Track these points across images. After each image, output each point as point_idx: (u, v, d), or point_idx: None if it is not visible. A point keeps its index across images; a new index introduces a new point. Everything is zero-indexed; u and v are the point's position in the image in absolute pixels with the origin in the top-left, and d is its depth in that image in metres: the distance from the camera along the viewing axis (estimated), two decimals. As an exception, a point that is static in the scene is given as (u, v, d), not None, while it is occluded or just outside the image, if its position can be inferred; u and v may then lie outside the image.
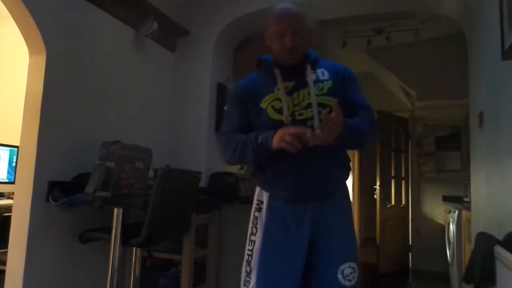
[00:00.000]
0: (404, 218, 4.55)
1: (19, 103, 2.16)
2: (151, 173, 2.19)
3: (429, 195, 4.57)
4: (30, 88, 2.00)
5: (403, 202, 4.60)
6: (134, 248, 2.17)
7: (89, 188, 1.89)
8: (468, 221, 2.68)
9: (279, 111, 1.32)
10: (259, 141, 1.27)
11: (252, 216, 1.42)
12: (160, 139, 2.95)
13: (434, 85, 4.08)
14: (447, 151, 4.50)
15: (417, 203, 4.58)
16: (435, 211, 4.48)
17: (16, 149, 2.64)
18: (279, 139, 1.21)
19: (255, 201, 1.42)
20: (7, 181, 2.74)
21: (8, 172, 2.74)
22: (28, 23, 1.94)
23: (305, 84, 1.34)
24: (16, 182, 2.00)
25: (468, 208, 2.67)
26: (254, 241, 1.37)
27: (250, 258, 1.36)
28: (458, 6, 2.61)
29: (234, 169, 3.40)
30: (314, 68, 1.39)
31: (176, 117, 3.09)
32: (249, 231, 1.40)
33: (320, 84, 1.35)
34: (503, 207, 1.76)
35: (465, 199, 3.52)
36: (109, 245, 1.86)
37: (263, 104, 1.35)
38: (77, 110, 2.20)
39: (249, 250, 1.37)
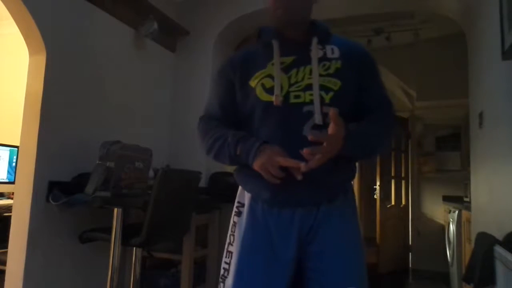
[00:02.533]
0: (404, 218, 4.55)
1: (19, 103, 2.16)
2: (151, 173, 2.19)
3: (429, 195, 4.57)
4: (30, 88, 2.00)
5: (403, 202, 4.60)
6: (134, 248, 2.17)
7: (89, 188, 1.89)
8: (468, 221, 2.68)
9: (270, 90, 1.07)
10: (238, 153, 1.06)
11: (231, 221, 1.17)
12: (160, 139, 2.95)
13: (434, 85, 4.08)
14: (447, 151, 4.51)
15: (417, 203, 4.59)
16: (435, 211, 4.48)
17: (16, 149, 2.64)
18: (260, 165, 1.01)
19: (235, 204, 1.18)
20: (7, 181, 2.74)
21: (8, 172, 2.74)
22: (28, 23, 1.94)
23: (307, 61, 1.09)
24: (16, 182, 2.00)
25: (468, 208, 2.66)
26: (232, 253, 1.12)
27: (226, 274, 1.12)
28: (458, 6, 2.61)
29: (234, 169, 3.40)
30: (323, 43, 1.14)
31: (176, 117, 3.09)
32: (227, 239, 1.15)
33: (327, 63, 1.09)
34: (503, 207, 1.76)
35: (465, 199, 3.52)
36: (109, 245, 1.86)
37: (252, 82, 1.11)
38: (77, 110, 2.20)
39: (225, 263, 1.13)
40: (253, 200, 1.12)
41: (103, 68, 2.41)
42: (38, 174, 1.92)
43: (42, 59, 1.99)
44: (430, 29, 3.64)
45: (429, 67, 4.08)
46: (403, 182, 4.61)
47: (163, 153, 2.96)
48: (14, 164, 2.74)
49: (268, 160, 1.00)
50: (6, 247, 1.93)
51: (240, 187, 1.19)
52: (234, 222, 1.16)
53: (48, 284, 1.99)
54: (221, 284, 1.13)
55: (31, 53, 2.02)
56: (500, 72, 1.80)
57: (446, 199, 4.28)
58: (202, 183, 2.57)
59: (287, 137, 1.03)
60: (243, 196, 1.16)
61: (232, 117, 1.17)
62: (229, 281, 1.09)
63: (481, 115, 2.21)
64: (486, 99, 2.14)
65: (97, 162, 1.95)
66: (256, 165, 1.03)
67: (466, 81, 2.66)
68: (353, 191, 1.17)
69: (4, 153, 2.73)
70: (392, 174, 4.51)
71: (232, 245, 1.13)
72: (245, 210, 1.13)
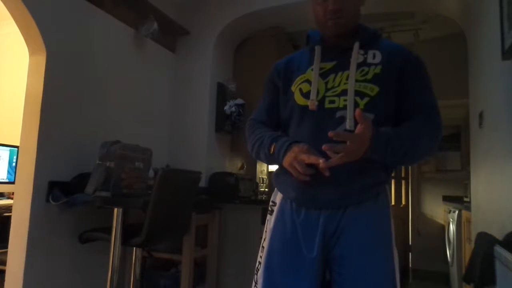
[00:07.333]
0: (404, 218, 4.55)
1: (19, 103, 2.16)
2: (151, 173, 2.19)
3: (429, 195, 4.57)
4: (30, 88, 2.00)
5: (403, 202, 4.60)
6: (134, 248, 2.17)
7: (89, 188, 1.89)
8: (468, 221, 2.68)
9: (307, 95, 1.10)
10: (271, 151, 1.11)
11: (266, 219, 1.23)
12: (160, 139, 2.95)
13: (434, 85, 4.07)
14: (447, 151, 4.51)
15: (417, 203, 4.59)
16: (435, 211, 4.49)
17: (16, 149, 2.64)
18: (289, 163, 1.05)
19: (269, 203, 1.23)
20: (7, 181, 2.74)
21: (8, 172, 2.74)
22: (28, 23, 1.94)
23: (347, 66, 1.09)
24: (16, 182, 2.00)
25: (468, 208, 2.67)
26: (264, 248, 1.17)
27: (259, 266, 1.16)
28: (458, 6, 2.61)
29: (234, 169, 3.40)
30: (366, 47, 1.13)
31: (176, 117, 3.09)
32: (263, 236, 1.21)
33: (366, 68, 1.08)
34: (503, 207, 1.76)
35: (465, 199, 3.52)
36: (109, 245, 1.86)
37: (293, 87, 1.16)
38: (77, 110, 2.20)
39: (260, 257, 1.18)
40: (283, 199, 1.16)
41: (103, 68, 2.41)
42: (38, 174, 1.92)
43: (42, 59, 1.99)
44: (430, 29, 3.64)
45: (429, 67, 4.06)
46: (403, 182, 4.61)
47: (163, 153, 2.97)
48: (14, 164, 2.74)
49: (294, 158, 1.03)
50: (6, 247, 1.93)
51: (275, 189, 1.22)
52: (267, 220, 1.21)
53: (48, 284, 1.99)
54: (255, 276, 1.18)
55: (31, 53, 2.02)
56: (500, 72, 1.80)
57: (446, 199, 4.28)
58: (202, 183, 2.58)
59: (319, 141, 1.01)
60: (276, 195, 1.21)
61: (276, 120, 1.23)
62: (260, 273, 1.15)
63: (481, 115, 2.21)
64: (486, 99, 2.14)
65: (97, 162, 1.95)
66: (285, 163, 1.07)
67: (466, 81, 2.66)
68: (387, 196, 1.14)
69: (4, 153, 2.73)
70: (392, 174, 4.51)
71: (265, 240, 1.18)
72: (276, 208, 1.18)
